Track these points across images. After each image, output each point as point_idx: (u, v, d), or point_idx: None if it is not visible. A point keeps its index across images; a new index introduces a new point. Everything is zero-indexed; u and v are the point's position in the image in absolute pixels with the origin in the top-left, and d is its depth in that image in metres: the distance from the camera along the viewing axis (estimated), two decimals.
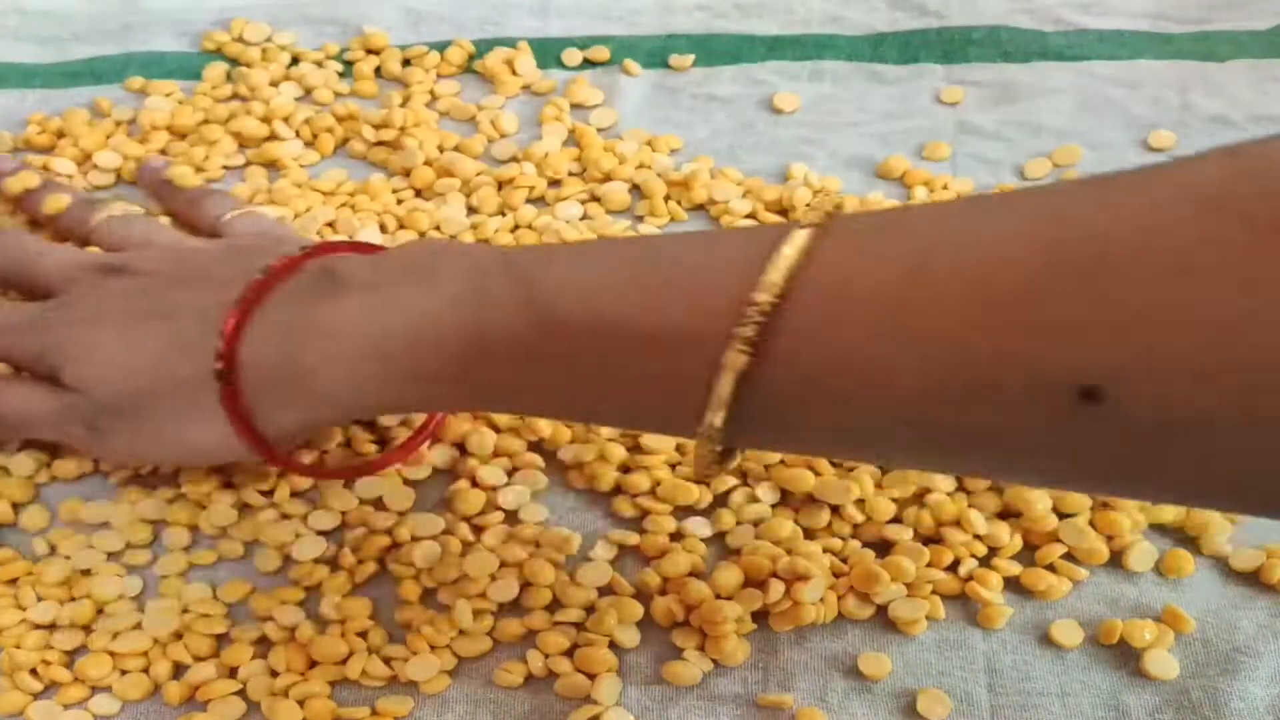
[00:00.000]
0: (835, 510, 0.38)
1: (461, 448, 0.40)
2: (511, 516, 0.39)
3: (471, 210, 0.47)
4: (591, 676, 0.35)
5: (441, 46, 0.53)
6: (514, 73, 0.52)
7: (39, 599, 0.37)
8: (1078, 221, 0.26)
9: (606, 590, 0.37)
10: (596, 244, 0.39)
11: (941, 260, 0.27)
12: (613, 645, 0.36)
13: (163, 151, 0.50)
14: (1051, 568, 0.37)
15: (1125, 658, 0.35)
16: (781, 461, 0.39)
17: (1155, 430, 0.25)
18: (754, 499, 0.38)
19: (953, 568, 0.37)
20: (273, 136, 0.50)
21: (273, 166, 0.49)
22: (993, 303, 0.26)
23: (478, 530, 0.38)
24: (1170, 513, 0.37)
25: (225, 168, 0.49)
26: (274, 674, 0.35)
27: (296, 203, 0.47)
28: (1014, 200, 0.30)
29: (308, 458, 0.40)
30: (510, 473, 0.40)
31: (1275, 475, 0.25)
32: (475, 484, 0.39)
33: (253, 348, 0.35)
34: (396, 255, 0.36)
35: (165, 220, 0.46)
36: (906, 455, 0.31)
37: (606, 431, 0.40)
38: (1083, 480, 0.30)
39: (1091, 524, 0.37)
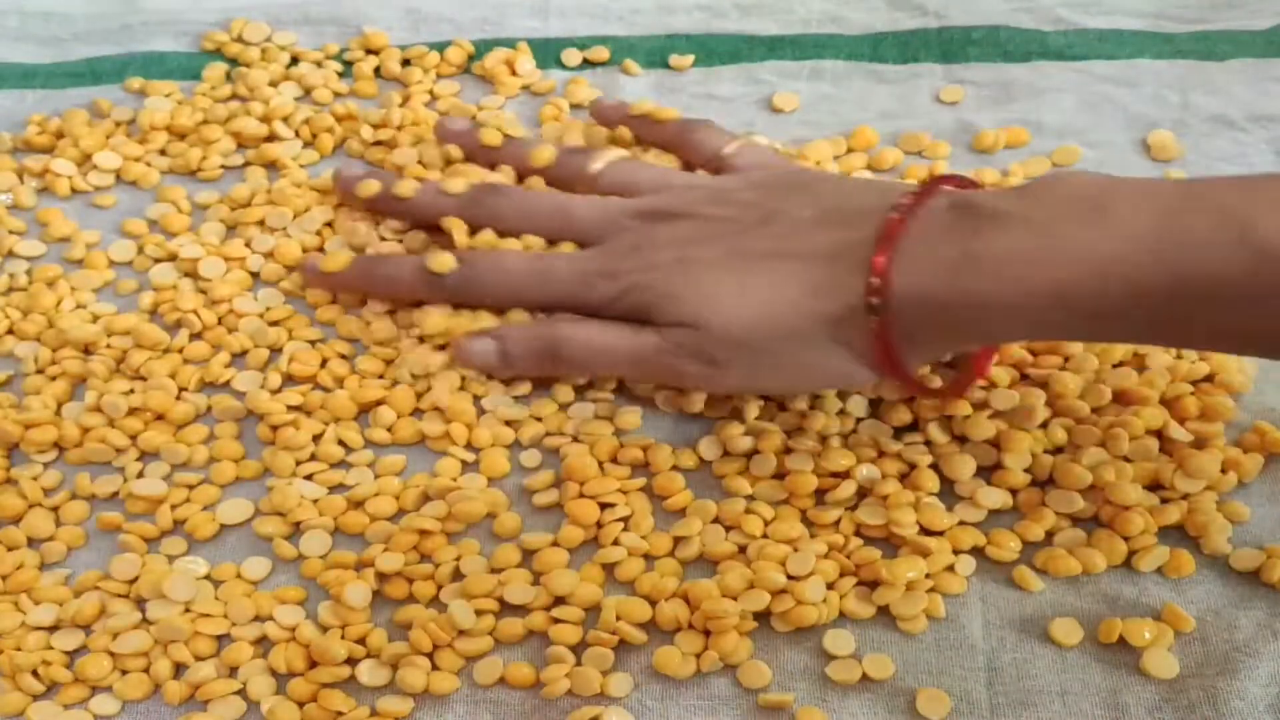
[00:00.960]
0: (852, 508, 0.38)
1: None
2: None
3: None
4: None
5: (441, 46, 0.53)
6: (514, 73, 0.52)
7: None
8: None
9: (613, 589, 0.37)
10: None
11: None
12: (617, 646, 0.36)
13: (162, 152, 0.50)
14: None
15: (1125, 657, 0.35)
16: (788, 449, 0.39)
17: None
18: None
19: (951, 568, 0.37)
20: (272, 136, 0.50)
21: (272, 166, 0.49)
22: None
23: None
24: (1174, 513, 0.37)
25: (224, 167, 0.49)
26: (274, 674, 0.36)
27: (296, 203, 0.47)
28: None
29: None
30: None
31: None
32: None
33: (906, 281, 0.35)
34: (1044, 191, 0.35)
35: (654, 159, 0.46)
36: None
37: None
38: None
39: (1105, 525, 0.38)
